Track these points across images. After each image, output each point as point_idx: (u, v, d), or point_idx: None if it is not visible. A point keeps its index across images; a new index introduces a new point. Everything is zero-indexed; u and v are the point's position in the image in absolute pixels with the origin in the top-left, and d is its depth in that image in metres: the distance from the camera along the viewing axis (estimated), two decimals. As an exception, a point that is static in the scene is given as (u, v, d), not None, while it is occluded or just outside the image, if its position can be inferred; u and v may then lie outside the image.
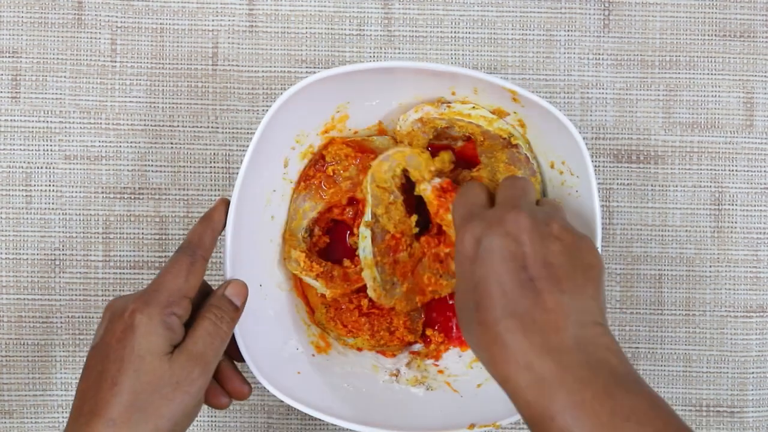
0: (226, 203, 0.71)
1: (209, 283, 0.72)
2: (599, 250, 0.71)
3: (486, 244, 0.62)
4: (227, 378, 0.71)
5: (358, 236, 0.77)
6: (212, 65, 0.83)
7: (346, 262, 0.78)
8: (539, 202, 0.68)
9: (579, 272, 0.62)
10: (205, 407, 0.77)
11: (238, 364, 0.72)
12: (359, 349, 0.79)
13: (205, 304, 0.68)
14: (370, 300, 0.78)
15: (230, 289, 0.69)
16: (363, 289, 0.78)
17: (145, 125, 0.83)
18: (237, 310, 0.68)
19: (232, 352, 0.71)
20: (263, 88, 0.83)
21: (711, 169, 0.83)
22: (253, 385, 0.72)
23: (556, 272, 0.61)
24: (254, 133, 0.71)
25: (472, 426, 0.72)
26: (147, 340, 0.64)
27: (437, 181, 0.74)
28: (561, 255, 0.62)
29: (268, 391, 0.72)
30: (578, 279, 0.61)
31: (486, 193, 0.67)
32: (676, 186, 0.83)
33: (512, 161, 0.75)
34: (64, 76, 0.82)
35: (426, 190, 0.75)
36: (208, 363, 0.65)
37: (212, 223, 0.70)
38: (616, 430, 0.56)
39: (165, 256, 0.82)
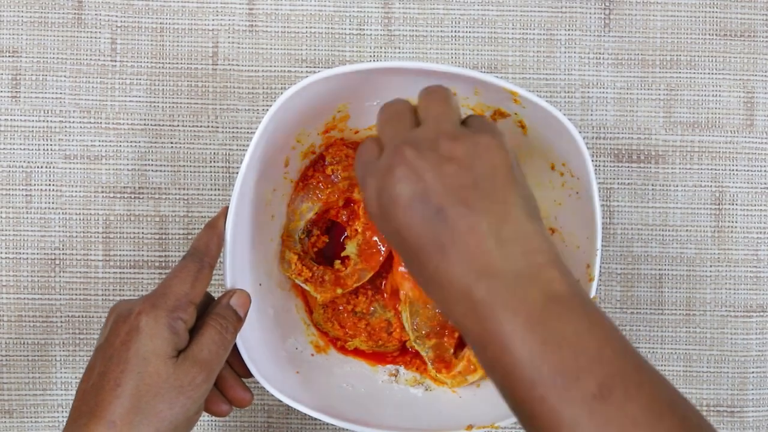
0: None
1: (211, 282, 0.72)
2: (599, 251, 0.71)
3: (385, 198, 0.58)
4: (228, 385, 0.71)
5: (351, 238, 0.77)
6: (212, 65, 0.83)
7: (338, 265, 0.78)
8: (420, 109, 0.63)
9: (484, 182, 0.58)
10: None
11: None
12: (357, 353, 0.79)
13: (209, 312, 0.68)
14: (367, 299, 0.79)
15: (235, 299, 0.69)
16: (358, 290, 0.78)
17: (145, 125, 0.83)
18: (240, 320, 0.69)
19: (238, 368, 0.71)
20: (263, 88, 0.83)
21: (711, 169, 0.83)
22: (252, 385, 0.72)
23: (459, 194, 0.57)
24: (254, 132, 0.71)
25: (470, 427, 0.72)
26: (152, 342, 0.64)
27: None
28: (458, 174, 0.57)
29: (267, 390, 0.72)
30: (485, 189, 0.58)
31: (376, 144, 0.62)
32: (677, 186, 0.83)
33: None
34: (64, 76, 0.82)
35: None
36: (212, 370, 0.65)
37: (217, 230, 0.70)
38: (547, 359, 0.54)
39: (165, 256, 0.82)
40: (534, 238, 0.57)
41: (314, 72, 0.83)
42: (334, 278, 0.77)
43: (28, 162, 0.82)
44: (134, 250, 0.83)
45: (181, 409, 0.64)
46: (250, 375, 0.71)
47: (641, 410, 0.53)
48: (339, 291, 0.77)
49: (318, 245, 0.78)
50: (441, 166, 0.58)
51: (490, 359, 0.56)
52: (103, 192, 0.83)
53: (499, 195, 0.58)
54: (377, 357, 0.79)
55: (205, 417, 0.82)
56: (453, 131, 0.59)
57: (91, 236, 0.82)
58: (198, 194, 0.83)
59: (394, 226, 0.58)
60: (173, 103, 0.83)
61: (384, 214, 0.59)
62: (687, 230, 0.83)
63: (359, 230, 0.77)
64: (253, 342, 0.72)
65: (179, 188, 0.83)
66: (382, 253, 0.78)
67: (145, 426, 0.63)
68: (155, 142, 0.83)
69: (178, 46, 0.83)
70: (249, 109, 0.83)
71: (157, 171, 0.83)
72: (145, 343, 0.64)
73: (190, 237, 0.82)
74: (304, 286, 0.77)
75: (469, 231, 0.56)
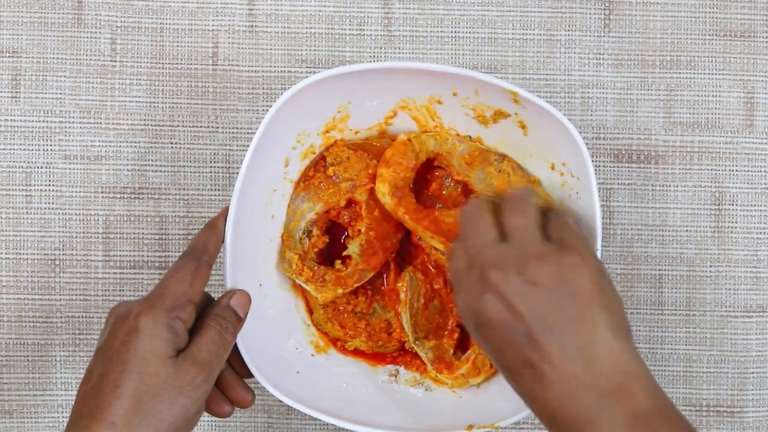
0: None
1: (210, 282, 0.72)
2: (599, 251, 0.71)
3: (479, 318, 0.63)
4: (230, 386, 0.71)
5: (352, 238, 0.77)
6: (212, 65, 0.83)
7: (338, 265, 0.78)
8: (505, 222, 0.66)
9: (570, 306, 0.61)
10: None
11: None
12: (357, 353, 0.79)
13: (208, 313, 0.68)
14: (367, 299, 0.79)
15: (235, 300, 0.69)
16: (358, 291, 0.78)
17: (145, 125, 0.83)
18: (240, 321, 0.69)
19: (239, 368, 0.71)
20: (263, 88, 0.83)
21: (711, 169, 0.83)
22: (252, 385, 0.72)
23: (545, 320, 0.61)
24: (254, 132, 0.71)
25: (470, 427, 0.72)
26: (151, 342, 0.64)
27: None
28: (544, 300, 0.61)
29: (267, 390, 0.72)
30: (570, 312, 0.61)
31: (464, 250, 0.66)
32: (677, 186, 0.83)
33: (501, 171, 0.76)
34: (64, 76, 0.82)
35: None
36: (212, 370, 0.65)
37: (216, 230, 0.70)
38: None
39: (165, 256, 0.82)
40: (620, 357, 0.60)
41: (314, 72, 0.83)
42: (334, 278, 0.77)
43: (28, 162, 0.82)
44: (134, 251, 0.83)
45: (181, 409, 0.64)
46: (251, 375, 0.71)
47: None
48: (340, 291, 0.76)
49: (318, 245, 0.78)
50: (527, 293, 0.61)
51: None
52: (103, 192, 0.83)
53: (585, 316, 0.61)
54: (377, 357, 0.79)
55: (205, 417, 0.82)
56: (538, 251, 0.63)
57: (91, 236, 0.82)
58: (198, 194, 0.83)
59: (488, 344, 0.63)
60: (173, 103, 0.83)
61: (478, 330, 0.63)
62: (687, 230, 0.83)
63: (362, 230, 0.77)
64: (253, 342, 0.72)
65: (179, 188, 0.83)
66: (384, 253, 0.78)
67: (145, 426, 0.63)
68: (155, 143, 0.83)
69: (178, 46, 0.83)
70: (249, 110, 0.83)
71: (157, 171, 0.83)
72: (144, 344, 0.64)
73: (190, 237, 0.82)
74: (304, 285, 0.77)
75: (557, 355, 0.60)
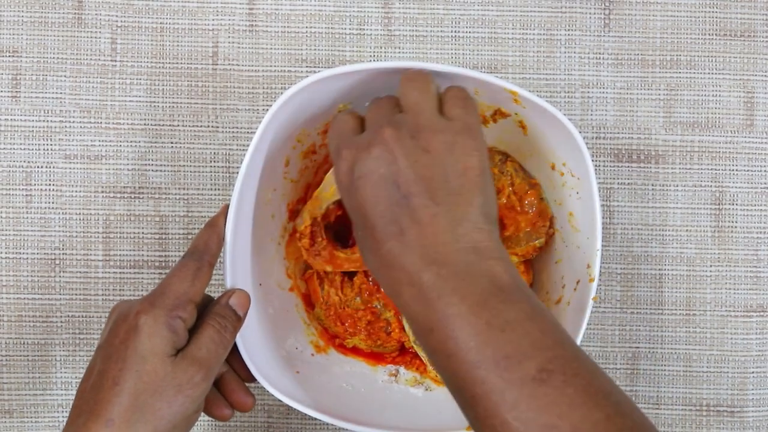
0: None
1: (210, 282, 0.72)
2: (599, 251, 0.71)
3: (357, 172, 0.62)
4: (231, 389, 0.71)
5: None
6: (212, 64, 0.83)
7: (342, 251, 0.78)
8: (402, 98, 0.65)
9: (454, 179, 0.61)
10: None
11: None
12: (357, 352, 0.79)
13: (208, 312, 0.68)
14: (354, 292, 0.79)
15: (234, 299, 0.69)
16: (352, 274, 0.78)
17: (145, 124, 0.83)
18: (239, 320, 0.69)
19: (240, 371, 0.71)
20: (263, 88, 0.83)
21: (711, 169, 0.83)
22: (252, 385, 0.72)
23: (428, 186, 0.60)
24: (254, 132, 0.71)
25: (470, 427, 0.72)
26: (150, 341, 0.64)
27: None
28: (432, 167, 0.61)
29: (267, 390, 0.72)
30: (453, 185, 0.61)
31: (355, 119, 0.66)
32: (677, 186, 0.83)
33: (504, 173, 0.76)
34: (64, 76, 0.82)
35: None
36: (210, 369, 0.65)
37: (217, 229, 0.70)
38: (491, 342, 0.57)
39: (165, 256, 0.82)
40: (486, 238, 0.61)
41: (314, 72, 0.83)
42: (329, 257, 0.77)
43: (28, 162, 0.82)
44: (134, 250, 0.83)
45: (180, 407, 0.64)
46: (253, 379, 0.71)
47: (578, 394, 0.55)
48: (329, 268, 0.77)
49: (331, 218, 0.78)
50: (417, 155, 0.61)
51: (434, 343, 0.59)
52: (103, 192, 0.83)
53: (464, 195, 0.61)
54: (377, 357, 0.79)
55: (205, 417, 0.82)
56: (433, 123, 0.63)
57: (91, 236, 0.82)
58: (198, 194, 0.83)
59: (359, 199, 0.62)
60: (173, 103, 0.83)
61: (353, 186, 0.62)
62: (687, 230, 0.83)
63: None
64: (253, 342, 0.72)
65: (179, 188, 0.83)
66: None
67: (143, 424, 0.63)
68: (155, 142, 0.83)
69: (178, 45, 0.83)
70: (249, 109, 0.83)
71: (157, 171, 0.83)
72: (144, 342, 0.64)
73: (190, 237, 0.82)
74: (301, 248, 0.77)
75: (429, 221, 0.60)
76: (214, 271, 0.70)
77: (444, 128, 0.63)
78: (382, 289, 0.62)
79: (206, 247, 0.69)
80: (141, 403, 0.63)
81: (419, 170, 0.61)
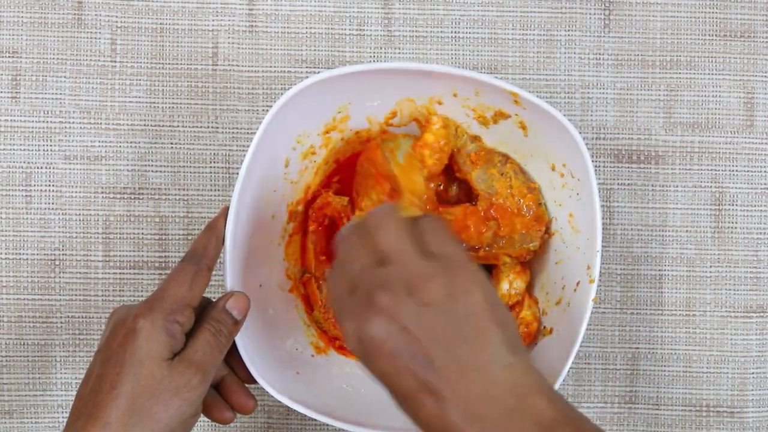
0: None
1: (210, 282, 0.72)
2: (599, 252, 0.71)
3: (366, 344, 0.59)
4: (231, 392, 0.71)
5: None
6: (212, 65, 0.83)
7: None
8: (381, 244, 0.62)
9: (466, 326, 0.58)
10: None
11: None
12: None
13: (205, 315, 0.68)
14: None
15: (231, 302, 0.69)
16: None
17: (145, 125, 0.83)
18: (236, 323, 0.69)
19: (241, 372, 0.71)
20: (263, 88, 0.83)
21: (711, 170, 0.83)
22: (252, 386, 0.72)
23: (443, 342, 0.58)
24: (254, 133, 0.71)
25: None
26: (148, 345, 0.64)
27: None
28: (439, 321, 0.58)
29: (267, 391, 0.72)
30: (468, 334, 0.58)
31: (343, 279, 0.62)
32: (677, 186, 0.83)
33: (504, 174, 0.76)
34: (64, 76, 0.82)
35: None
36: (206, 372, 0.66)
37: (216, 232, 0.70)
38: None
39: (165, 257, 0.82)
40: (519, 372, 0.58)
41: (314, 73, 0.83)
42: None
43: (28, 162, 0.82)
44: (134, 251, 0.83)
45: (177, 411, 0.64)
46: (253, 381, 0.71)
47: None
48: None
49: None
50: (420, 315, 0.58)
51: None
52: (103, 192, 0.83)
53: (481, 337, 0.59)
54: None
55: (205, 419, 0.82)
56: (423, 270, 0.59)
57: (91, 237, 0.82)
58: (198, 195, 0.83)
59: (380, 372, 0.59)
60: (173, 103, 0.83)
61: (368, 357, 0.59)
62: (687, 231, 0.83)
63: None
64: (253, 343, 0.72)
65: (179, 189, 0.83)
66: None
67: (140, 428, 0.63)
68: (155, 143, 0.83)
69: (178, 46, 0.83)
70: (249, 110, 0.83)
71: (157, 171, 0.83)
72: (142, 346, 0.64)
73: (190, 238, 0.82)
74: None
75: (458, 378, 0.57)
76: (215, 273, 0.70)
77: (435, 272, 0.60)
78: None
79: (205, 251, 0.69)
80: (138, 407, 0.63)
81: (429, 330, 0.58)
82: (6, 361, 0.82)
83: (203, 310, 0.69)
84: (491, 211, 0.76)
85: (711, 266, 0.83)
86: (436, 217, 0.64)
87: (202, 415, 0.71)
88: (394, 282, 0.59)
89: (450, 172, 0.78)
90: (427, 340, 0.58)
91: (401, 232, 0.61)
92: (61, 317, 0.82)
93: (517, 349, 0.59)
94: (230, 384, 0.71)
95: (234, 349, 0.70)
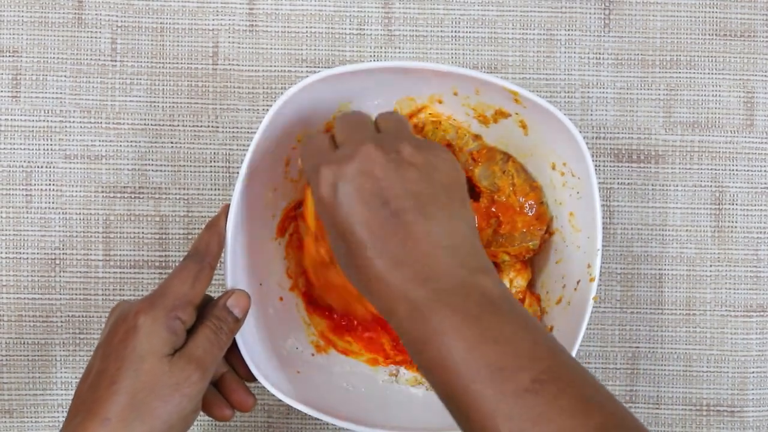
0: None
1: (212, 282, 0.72)
2: (599, 251, 0.71)
3: (342, 188, 0.61)
4: (231, 389, 0.71)
5: None
6: (212, 64, 0.83)
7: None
8: (380, 122, 0.67)
9: (441, 193, 0.62)
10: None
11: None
12: (356, 354, 0.79)
13: (205, 313, 0.68)
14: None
15: (231, 300, 0.69)
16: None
17: (145, 124, 0.83)
18: (237, 321, 0.69)
19: (241, 370, 0.72)
20: (263, 88, 0.83)
21: (711, 169, 0.83)
22: (253, 385, 0.72)
23: (418, 200, 0.61)
24: (255, 132, 0.71)
25: None
26: (149, 341, 0.64)
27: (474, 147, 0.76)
28: (419, 181, 0.61)
29: (267, 390, 0.72)
30: (442, 201, 0.61)
31: (330, 138, 0.66)
32: (677, 185, 0.83)
33: (505, 172, 0.76)
34: (65, 76, 0.82)
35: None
36: (206, 368, 0.66)
37: (218, 230, 0.70)
38: (485, 354, 0.57)
39: (165, 256, 0.82)
40: (474, 251, 0.61)
41: (314, 72, 0.83)
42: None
43: (29, 162, 0.82)
44: (134, 250, 0.83)
45: (176, 407, 0.64)
46: (253, 379, 0.71)
47: (572, 404, 0.56)
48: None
49: None
50: (403, 169, 0.61)
51: (428, 358, 0.59)
52: (103, 192, 0.83)
53: (453, 209, 0.62)
54: (375, 349, 0.79)
55: (205, 417, 0.82)
56: (413, 139, 0.63)
57: (91, 236, 0.82)
58: (198, 194, 0.83)
59: (345, 218, 0.61)
60: (173, 103, 0.83)
61: (336, 204, 0.61)
62: (687, 230, 0.83)
63: None
64: (253, 342, 0.72)
65: (179, 188, 0.83)
66: None
67: (140, 423, 0.63)
68: (155, 142, 0.83)
69: (178, 46, 0.83)
70: (249, 109, 0.83)
71: (157, 171, 0.83)
72: (142, 342, 0.64)
73: (190, 237, 0.82)
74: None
75: (421, 238, 0.60)
76: (216, 272, 0.70)
77: (425, 145, 0.63)
78: (372, 304, 0.62)
79: (207, 249, 0.69)
80: (138, 402, 0.63)
81: (408, 185, 0.61)
82: (6, 360, 0.82)
83: (204, 307, 0.69)
84: (492, 209, 0.76)
85: (711, 265, 0.83)
86: None
87: (202, 413, 0.71)
88: (385, 141, 0.62)
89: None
90: (403, 194, 0.61)
91: (404, 120, 0.66)
92: (61, 316, 0.82)
93: (476, 234, 0.63)
94: (230, 381, 0.71)
95: (234, 346, 0.70)
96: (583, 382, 0.57)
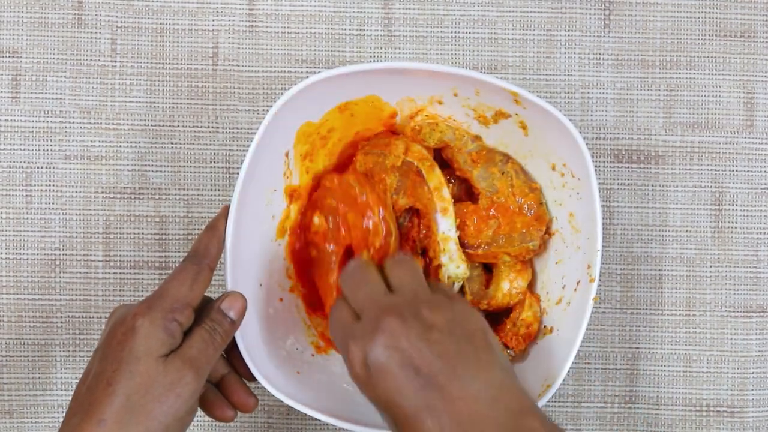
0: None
1: (211, 282, 0.72)
2: (599, 251, 0.71)
3: (372, 365, 0.62)
4: (232, 390, 0.71)
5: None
6: (212, 65, 0.83)
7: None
8: (392, 279, 0.67)
9: (467, 347, 0.63)
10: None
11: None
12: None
13: (202, 315, 0.68)
14: None
15: (226, 303, 0.69)
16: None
17: (145, 125, 0.83)
18: (233, 323, 0.69)
19: (242, 369, 0.72)
20: (263, 88, 0.83)
21: (711, 170, 0.83)
22: (253, 386, 0.72)
23: (446, 361, 0.62)
24: (255, 133, 0.71)
25: None
26: (146, 342, 0.64)
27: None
28: (443, 342, 0.62)
29: (267, 391, 0.72)
30: (469, 354, 0.62)
31: (348, 308, 0.66)
32: (677, 186, 0.83)
33: (504, 174, 0.76)
34: (64, 76, 0.82)
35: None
36: (200, 368, 0.66)
37: (218, 232, 0.70)
38: None
39: (165, 257, 0.82)
40: (514, 393, 0.62)
41: (314, 73, 0.83)
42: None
43: (28, 162, 0.82)
44: (134, 251, 0.83)
45: (171, 407, 0.64)
46: (254, 378, 0.71)
47: None
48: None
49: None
50: (426, 334, 0.62)
51: None
52: (103, 192, 0.83)
53: (482, 359, 0.63)
54: None
55: (205, 418, 0.82)
56: (430, 299, 0.65)
57: (91, 237, 0.82)
58: (198, 195, 0.83)
59: (383, 392, 0.62)
60: (173, 103, 0.83)
61: (371, 379, 0.63)
62: (687, 231, 0.83)
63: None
64: (253, 342, 0.72)
65: (179, 189, 0.83)
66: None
67: (135, 425, 0.63)
68: (155, 143, 0.83)
69: (178, 46, 0.83)
70: (249, 110, 0.83)
71: (157, 171, 0.83)
72: (140, 344, 0.64)
73: (190, 238, 0.82)
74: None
75: (459, 395, 0.61)
76: (216, 272, 0.70)
77: (439, 300, 0.65)
78: None
79: (206, 251, 0.69)
80: (133, 404, 0.63)
81: (433, 349, 0.62)
82: (6, 360, 0.82)
83: (202, 309, 0.69)
84: (492, 210, 0.76)
85: (711, 266, 0.83)
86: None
87: (203, 414, 0.71)
88: (401, 306, 0.64)
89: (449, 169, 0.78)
90: (431, 360, 0.61)
91: (417, 271, 0.67)
92: (61, 317, 0.82)
93: (509, 371, 0.64)
94: (231, 382, 0.71)
95: (235, 346, 0.70)
96: None
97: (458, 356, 0.62)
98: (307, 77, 0.72)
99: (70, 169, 0.82)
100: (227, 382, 0.71)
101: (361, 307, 0.65)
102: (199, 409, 0.70)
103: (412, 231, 0.77)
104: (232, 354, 0.71)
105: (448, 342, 0.62)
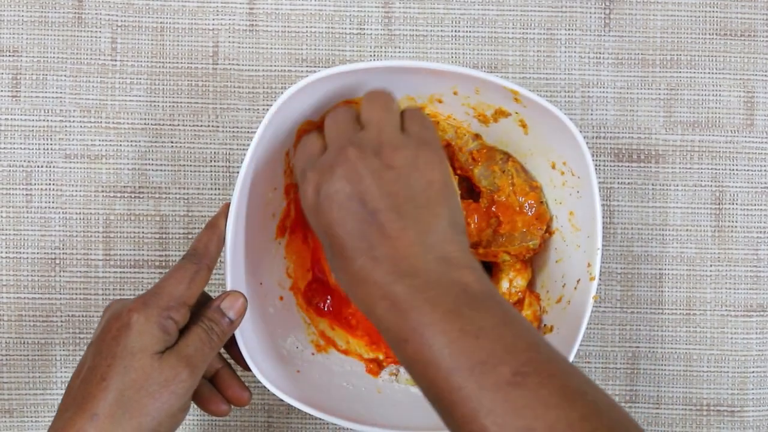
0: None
1: (212, 281, 0.72)
2: (599, 250, 0.71)
3: (323, 193, 0.63)
4: (227, 384, 0.71)
5: None
6: (213, 64, 0.83)
7: None
8: (364, 115, 0.67)
9: (420, 194, 0.63)
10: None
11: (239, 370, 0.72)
12: (357, 354, 0.80)
13: (199, 313, 0.68)
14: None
15: (226, 303, 0.69)
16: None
17: (145, 124, 0.83)
18: (231, 323, 0.69)
19: (239, 360, 0.72)
20: (264, 87, 0.83)
21: (712, 169, 0.83)
22: (253, 384, 0.72)
23: (394, 201, 0.62)
24: (255, 131, 0.71)
25: None
26: (140, 338, 0.64)
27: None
28: (396, 182, 0.62)
29: (268, 389, 0.72)
30: (419, 200, 0.62)
31: (319, 140, 0.67)
32: (677, 185, 0.83)
33: (505, 172, 0.76)
34: (65, 75, 0.82)
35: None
36: (195, 366, 0.66)
37: (217, 231, 0.70)
38: (465, 349, 0.57)
39: (165, 255, 0.82)
40: (455, 248, 0.62)
41: (314, 71, 0.83)
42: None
43: (29, 161, 0.82)
44: (134, 250, 0.83)
45: (165, 404, 0.64)
46: (249, 368, 0.71)
47: (553, 395, 0.56)
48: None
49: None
50: (381, 172, 0.62)
51: (410, 354, 0.59)
52: (103, 191, 0.83)
53: (430, 208, 0.63)
54: (377, 363, 0.80)
55: (205, 417, 0.82)
56: (395, 140, 0.64)
57: (91, 236, 0.82)
58: (198, 194, 0.83)
59: (327, 220, 0.62)
60: (173, 102, 0.83)
61: (319, 208, 0.63)
62: (687, 230, 0.83)
63: None
64: (254, 341, 0.72)
65: (179, 188, 0.83)
66: None
67: (128, 420, 0.63)
68: (155, 142, 0.83)
69: (178, 45, 0.83)
70: (249, 109, 0.83)
71: (157, 170, 0.83)
72: (134, 340, 0.64)
73: (190, 236, 0.82)
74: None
75: (397, 235, 0.61)
76: (215, 271, 0.70)
77: (405, 144, 0.64)
78: (356, 306, 0.63)
79: (206, 250, 0.69)
80: (126, 399, 0.63)
81: (384, 187, 0.62)
82: (6, 359, 0.82)
83: (201, 307, 0.69)
84: (492, 208, 0.76)
85: (711, 265, 0.83)
86: (419, 107, 0.68)
87: (201, 411, 0.71)
88: (365, 142, 0.64)
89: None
90: (380, 195, 0.62)
91: (389, 109, 0.66)
92: (61, 316, 0.82)
93: (459, 230, 0.63)
94: (226, 377, 0.71)
95: (232, 338, 0.70)
96: (565, 374, 0.57)
97: (407, 200, 0.62)
98: (307, 76, 0.72)
99: (70, 168, 0.82)
100: (221, 377, 0.71)
101: (329, 141, 0.66)
102: (195, 406, 0.70)
103: None
104: (231, 349, 0.72)
105: (401, 184, 0.62)
